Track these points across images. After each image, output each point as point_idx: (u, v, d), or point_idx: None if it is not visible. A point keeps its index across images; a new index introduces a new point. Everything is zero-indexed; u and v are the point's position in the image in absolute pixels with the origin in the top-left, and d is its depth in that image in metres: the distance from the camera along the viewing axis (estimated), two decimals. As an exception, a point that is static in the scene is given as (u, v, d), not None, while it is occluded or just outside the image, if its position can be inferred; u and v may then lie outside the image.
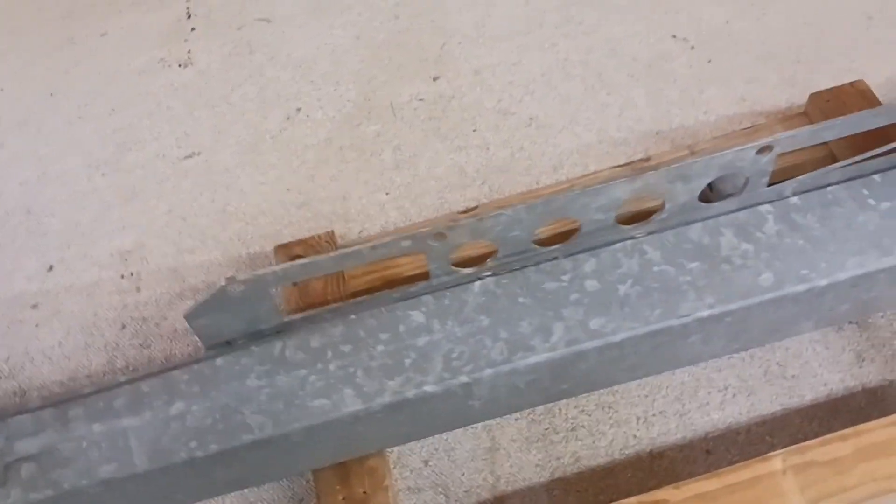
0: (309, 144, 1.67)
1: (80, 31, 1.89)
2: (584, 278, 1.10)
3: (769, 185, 1.12)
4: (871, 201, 1.13)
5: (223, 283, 0.99)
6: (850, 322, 1.36)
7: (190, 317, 1.02)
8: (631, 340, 1.05)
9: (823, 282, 1.07)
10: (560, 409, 1.33)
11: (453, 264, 1.10)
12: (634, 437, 1.31)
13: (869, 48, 1.68)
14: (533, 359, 1.03)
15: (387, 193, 1.59)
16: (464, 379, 1.02)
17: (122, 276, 1.50)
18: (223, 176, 1.64)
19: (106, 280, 1.49)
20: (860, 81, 1.42)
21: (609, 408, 1.33)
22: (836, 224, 1.11)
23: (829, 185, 1.15)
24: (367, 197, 1.59)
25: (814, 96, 1.42)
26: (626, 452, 1.30)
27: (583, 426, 1.32)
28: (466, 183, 1.59)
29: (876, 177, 1.16)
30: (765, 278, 1.08)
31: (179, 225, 1.57)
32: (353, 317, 1.08)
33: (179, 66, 1.81)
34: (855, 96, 1.40)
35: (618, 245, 1.12)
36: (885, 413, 1.28)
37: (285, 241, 1.50)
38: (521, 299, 1.08)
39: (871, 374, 1.32)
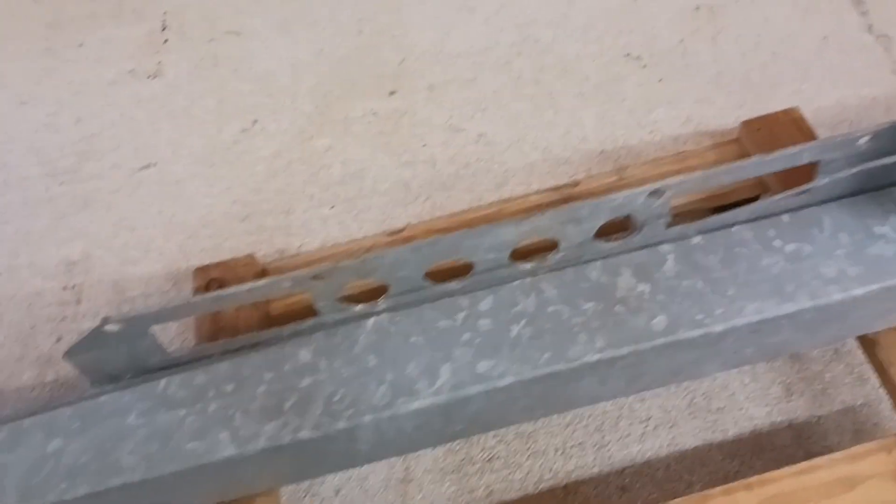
0: (260, 157, 1.51)
1: (59, 40, 1.75)
2: (478, 317, 0.94)
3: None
4: (777, 243, 0.96)
5: (100, 323, 0.84)
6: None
7: (70, 355, 0.88)
8: (518, 385, 0.89)
9: (719, 328, 0.91)
10: (478, 438, 1.18)
11: (352, 296, 0.94)
12: (551, 469, 1.15)
13: (821, 71, 1.48)
14: (416, 404, 0.88)
15: (331, 208, 1.43)
16: (342, 424, 0.87)
17: (65, 288, 1.36)
18: (174, 187, 1.49)
19: (48, 291, 1.36)
20: (794, 109, 1.23)
21: (528, 437, 1.17)
22: (739, 267, 0.95)
23: (735, 224, 0.97)
24: (311, 211, 1.43)
25: (745, 123, 1.23)
26: (541, 487, 1.14)
27: (499, 457, 1.16)
28: (410, 199, 1.43)
29: (785, 216, 0.98)
30: (658, 322, 0.91)
31: (127, 236, 1.43)
32: (240, 354, 0.92)
33: (148, 77, 1.66)
34: (787, 124, 1.21)
35: (517, 282, 0.96)
36: (809, 453, 1.12)
37: (225, 255, 1.36)
38: (412, 338, 0.93)
39: (799, 410, 1.15)
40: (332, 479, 1.16)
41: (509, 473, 1.16)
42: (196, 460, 0.86)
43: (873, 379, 1.14)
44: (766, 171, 0.92)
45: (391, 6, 1.73)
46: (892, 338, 1.02)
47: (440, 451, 1.17)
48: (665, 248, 0.98)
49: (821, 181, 0.95)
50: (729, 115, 1.45)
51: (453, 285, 0.94)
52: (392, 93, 1.58)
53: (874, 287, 0.92)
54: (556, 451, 1.16)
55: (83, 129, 1.59)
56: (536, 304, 0.95)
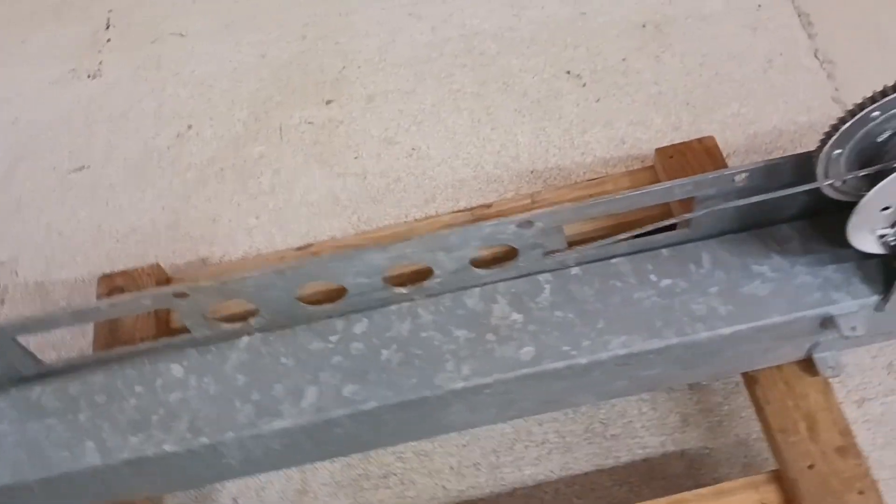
0: (192, 164, 1.60)
1: (3, 37, 1.84)
2: (351, 340, 1.01)
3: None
4: (653, 277, 1.02)
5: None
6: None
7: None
8: (382, 409, 0.96)
9: (584, 360, 0.97)
10: (376, 454, 1.25)
11: (235, 315, 1.01)
12: (444, 488, 1.23)
13: (764, 93, 1.53)
14: (279, 424, 0.95)
15: (257, 218, 1.51)
16: (204, 441, 0.95)
17: (-11, 289, 1.45)
18: (106, 192, 1.58)
19: (-28, 292, 1.45)
20: (709, 138, 1.29)
21: (426, 455, 1.25)
22: (612, 299, 1.01)
23: (615, 256, 1.03)
24: (237, 220, 1.52)
25: (659, 151, 1.29)
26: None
27: (395, 474, 1.24)
28: (338, 211, 1.50)
29: (665, 251, 1.04)
30: (526, 352, 0.98)
31: (55, 240, 1.52)
32: (115, 366, 1.00)
33: (89, 77, 1.75)
34: (700, 153, 1.26)
35: (395, 307, 1.03)
36: (699, 482, 1.19)
37: (149, 261, 1.43)
38: (283, 359, 1.00)
39: (693, 441, 1.21)
40: (231, 487, 1.24)
41: (404, 490, 1.23)
42: (61, 469, 0.94)
43: (770, 414, 1.20)
44: (639, 206, 0.98)
45: (340, 9, 1.81)
46: (771, 377, 1.08)
47: (338, 464, 1.25)
48: (544, 277, 1.04)
49: (697, 214, 1.00)
50: (664, 137, 1.51)
51: (327, 308, 1.01)
52: (329, 101, 1.65)
53: (742, 327, 0.98)
54: (452, 470, 1.24)
55: (20, 129, 1.69)
56: (410, 329, 1.02)
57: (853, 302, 0.98)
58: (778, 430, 1.05)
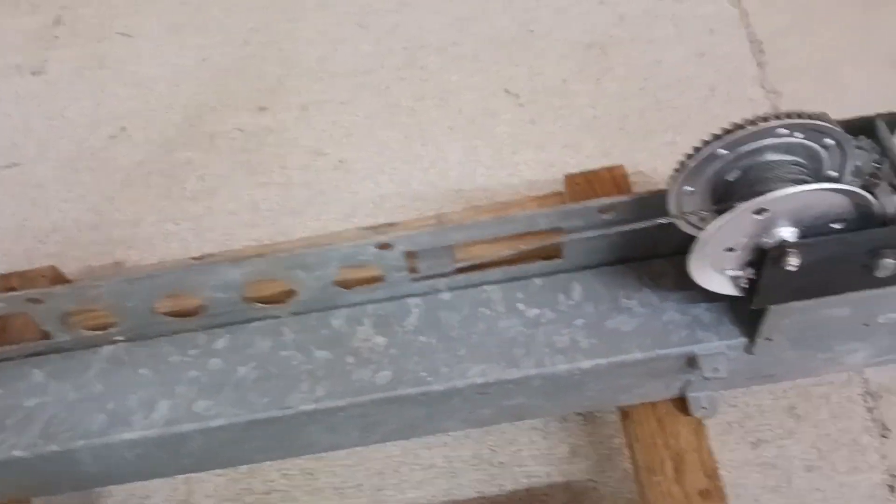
0: (121, 166, 1.67)
1: (-49, 29, 1.93)
2: (211, 355, 1.06)
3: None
4: (521, 306, 1.06)
5: None
6: (578, 413, 1.27)
7: None
8: (233, 427, 1.01)
9: (440, 387, 1.01)
10: (262, 470, 1.30)
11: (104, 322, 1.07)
12: (324, 508, 1.27)
13: (702, 123, 1.55)
14: (128, 435, 1.01)
15: (176, 224, 1.58)
16: (55, 447, 1.00)
17: None
18: (34, 190, 1.65)
19: None
20: (618, 167, 1.33)
21: (310, 474, 1.30)
22: (478, 327, 1.05)
23: (487, 283, 1.07)
24: (158, 225, 1.58)
25: (569, 178, 1.33)
26: (312, 525, 1.26)
27: (278, 490, 1.29)
28: (257, 221, 1.56)
29: (538, 280, 1.08)
30: (382, 376, 1.02)
31: (-23, 235, 1.59)
32: (-17, 367, 1.07)
33: (32, 73, 1.83)
34: (607, 182, 1.30)
35: (259, 323, 1.08)
36: (578, 516, 1.21)
37: (68, 262, 1.51)
38: (142, 370, 1.05)
39: (579, 473, 1.25)
40: (117, 495, 1.30)
41: (284, 508, 1.28)
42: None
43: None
44: (504, 233, 1.02)
45: (289, 15, 1.87)
46: (644, 412, 1.11)
47: (224, 478, 1.30)
48: (414, 301, 1.09)
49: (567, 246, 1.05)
50: (594, 162, 1.54)
51: (187, 321, 1.07)
52: (263, 109, 1.71)
53: (602, 362, 1.02)
54: (335, 490, 1.28)
55: (-43, 123, 1.77)
56: (271, 347, 1.07)
57: (719, 343, 1.02)
58: (644, 469, 1.08)
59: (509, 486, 1.25)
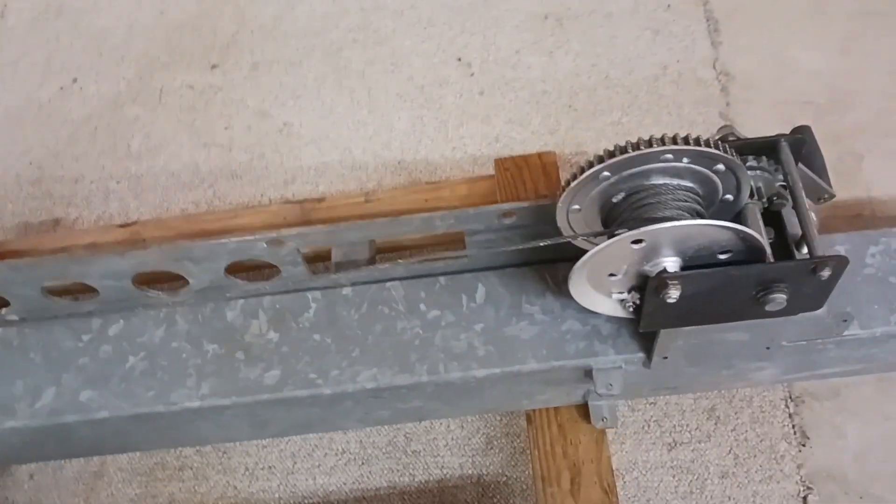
0: (69, 120, 1.57)
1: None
2: (103, 342, 0.99)
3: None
4: (422, 307, 0.98)
5: None
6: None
7: None
8: (117, 420, 0.93)
9: (328, 391, 0.93)
10: (178, 444, 1.23)
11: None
12: (235, 488, 1.22)
13: (649, 103, 1.45)
14: (11, 423, 0.94)
15: (117, 182, 1.49)
16: (-62, 431, 0.93)
17: None
18: (-22, 141, 1.55)
19: None
20: (549, 154, 1.23)
21: (224, 453, 1.23)
22: (375, 327, 0.97)
23: (392, 279, 0.98)
24: (99, 183, 1.49)
25: (498, 162, 1.22)
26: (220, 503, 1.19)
27: (191, 467, 1.23)
28: (195, 184, 1.47)
29: (443, 279, 0.99)
30: (271, 376, 0.95)
31: (-83, 186, 1.51)
32: None
33: (-12, 19, 1.71)
34: (536, 169, 1.20)
35: (154, 311, 0.99)
36: (488, 511, 1.14)
37: (5, 217, 1.42)
38: (32, 354, 0.99)
39: (492, 466, 1.18)
40: (29, 465, 1.24)
41: (195, 485, 1.22)
42: None
43: (569, 448, 1.15)
44: (398, 235, 0.92)
45: (250, -30, 1.73)
46: (546, 417, 1.03)
47: (137, 452, 1.23)
48: (314, 294, 1.00)
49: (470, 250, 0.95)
50: (538, 140, 1.43)
51: (85, 304, 0.98)
52: (214, 67, 1.59)
53: (496, 371, 0.93)
54: (246, 470, 1.22)
55: None
56: (163, 337, 0.99)
57: (616, 357, 0.93)
58: (541, 478, 1.00)
59: (421, 476, 1.18)
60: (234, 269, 1.01)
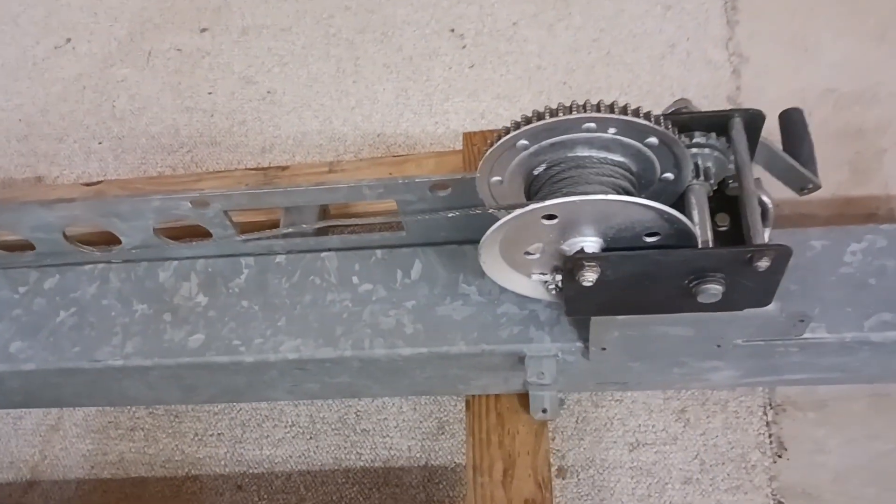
0: (60, 77, 1.56)
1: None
2: (37, 295, 0.98)
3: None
4: (355, 279, 0.93)
5: None
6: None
7: None
8: (45, 373, 0.91)
9: (250, 359, 0.89)
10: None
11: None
12: (183, 452, 1.19)
13: (651, 84, 1.37)
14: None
15: (100, 143, 1.47)
16: None
17: None
18: (-29, 95, 1.55)
19: None
20: (516, 129, 1.13)
21: (176, 417, 1.21)
22: (304, 297, 0.92)
23: (329, 249, 0.93)
24: (82, 143, 1.48)
25: (466, 136, 1.15)
26: (167, 466, 1.18)
27: (143, 428, 1.21)
28: (175, 147, 1.45)
29: (380, 252, 0.94)
30: (195, 339, 0.91)
31: None
32: None
33: (-7, -26, 1.71)
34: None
35: (90, 267, 0.97)
36: (430, 499, 1.10)
37: (-12, 173, 1.43)
38: (-32, 303, 0.96)
39: (442, 451, 1.13)
40: (-7, 413, 1.24)
41: (145, 446, 1.19)
42: None
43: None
44: (323, 201, 0.87)
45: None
46: (484, 404, 0.97)
47: (94, 409, 1.21)
48: (247, 261, 0.96)
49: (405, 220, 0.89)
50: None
51: (26, 256, 0.96)
52: (204, 30, 1.56)
53: (422, 350, 0.87)
54: (196, 436, 1.19)
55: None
56: (95, 293, 0.96)
57: (551, 345, 0.86)
58: (472, 467, 0.94)
59: (367, 456, 1.13)
60: (185, 233, 0.98)
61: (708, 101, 1.32)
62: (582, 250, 0.68)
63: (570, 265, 0.67)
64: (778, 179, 0.88)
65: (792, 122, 0.90)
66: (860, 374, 0.92)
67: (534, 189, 0.71)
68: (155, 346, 0.92)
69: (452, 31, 1.48)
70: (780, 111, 0.93)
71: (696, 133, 0.75)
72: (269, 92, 1.47)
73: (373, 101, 1.43)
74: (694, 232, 0.67)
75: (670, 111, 0.78)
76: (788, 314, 0.78)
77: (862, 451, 1.05)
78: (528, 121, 0.67)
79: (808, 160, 0.87)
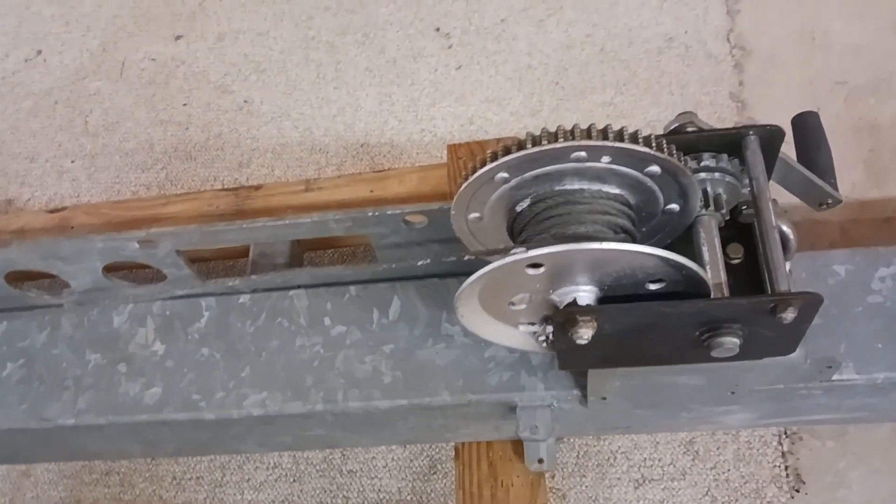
0: (31, 92, 1.44)
1: None
2: (-18, 345, 0.84)
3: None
4: (327, 321, 0.80)
5: None
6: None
7: None
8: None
9: (211, 416, 0.77)
10: (104, 446, 1.09)
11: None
12: (161, 498, 1.07)
13: (649, 81, 1.23)
14: None
15: (72, 161, 1.35)
16: None
17: None
18: (-61, 113, 1.43)
19: None
20: (511, 139, 0.99)
21: (153, 459, 1.08)
22: (270, 342, 0.80)
23: (296, 287, 0.80)
24: (54, 162, 1.36)
25: (451, 148, 1.02)
26: (144, 514, 1.05)
27: (118, 472, 1.09)
28: (149, 164, 1.32)
29: (354, 288, 0.81)
30: (151, 394, 0.80)
31: None
32: None
33: (-39, -13, 1.58)
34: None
35: (41, 311, 0.85)
36: (421, 547, 0.97)
37: (-46, 195, 1.30)
38: None
39: (434, 493, 1.00)
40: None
41: (121, 492, 1.08)
42: None
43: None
44: (286, 237, 0.75)
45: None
46: (475, 453, 0.85)
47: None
48: (208, 301, 0.83)
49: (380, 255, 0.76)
50: (517, 122, 1.23)
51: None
52: (179, 37, 1.43)
53: (402, 403, 0.75)
54: (174, 479, 1.07)
55: None
56: (45, 342, 0.84)
57: (545, 393, 0.73)
58: (463, 525, 0.82)
59: (355, 499, 1.01)
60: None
61: (709, 98, 1.19)
62: (574, 302, 0.56)
63: (562, 320, 0.55)
64: (792, 194, 0.75)
65: (807, 128, 0.77)
66: (890, 414, 0.79)
67: (517, 227, 0.59)
68: (109, 402, 0.79)
69: (438, 30, 1.34)
70: (794, 116, 0.79)
71: (705, 154, 0.62)
72: (245, 101, 1.34)
73: (355, 109, 1.30)
74: (705, 279, 0.54)
75: (673, 127, 0.65)
76: (814, 360, 0.65)
77: (887, 484, 0.92)
78: (507, 150, 0.54)
79: (827, 171, 0.74)
